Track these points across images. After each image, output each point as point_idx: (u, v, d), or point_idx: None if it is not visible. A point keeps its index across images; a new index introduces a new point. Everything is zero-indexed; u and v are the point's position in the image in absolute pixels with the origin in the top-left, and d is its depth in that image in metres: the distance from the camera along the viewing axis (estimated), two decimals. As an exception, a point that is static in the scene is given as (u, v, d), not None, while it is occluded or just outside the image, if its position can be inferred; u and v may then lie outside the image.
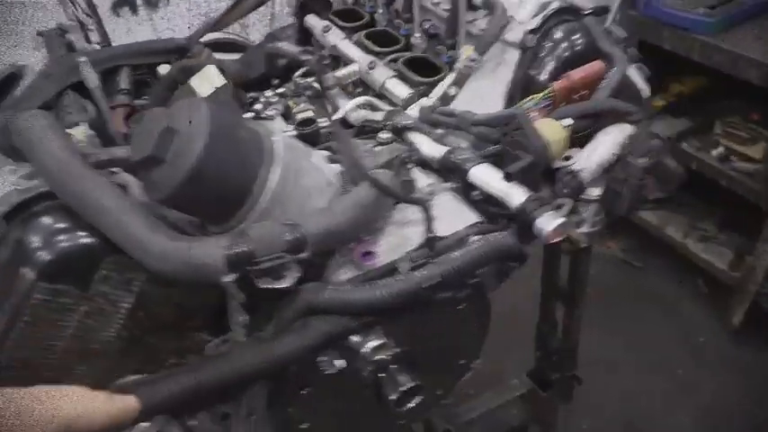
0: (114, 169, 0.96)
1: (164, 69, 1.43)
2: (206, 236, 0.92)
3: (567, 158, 1.03)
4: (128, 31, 2.97)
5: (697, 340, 2.66)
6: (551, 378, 1.96)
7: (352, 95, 1.45)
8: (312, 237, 0.84)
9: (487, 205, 1.06)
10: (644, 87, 1.24)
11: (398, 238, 1.01)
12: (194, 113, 0.83)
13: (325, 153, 1.08)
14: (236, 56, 1.62)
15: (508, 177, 0.95)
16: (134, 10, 2.94)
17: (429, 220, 0.95)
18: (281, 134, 0.93)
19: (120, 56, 1.22)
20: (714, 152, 2.48)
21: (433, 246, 0.97)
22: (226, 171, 0.85)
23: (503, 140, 1.00)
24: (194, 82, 1.10)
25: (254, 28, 3.25)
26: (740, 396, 2.44)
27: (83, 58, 1.05)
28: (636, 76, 1.24)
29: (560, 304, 1.78)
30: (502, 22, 1.17)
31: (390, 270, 0.96)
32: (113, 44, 2.83)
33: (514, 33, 1.17)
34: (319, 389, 0.98)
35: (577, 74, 1.04)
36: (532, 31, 1.12)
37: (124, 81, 1.20)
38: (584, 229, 1.19)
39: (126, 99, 1.16)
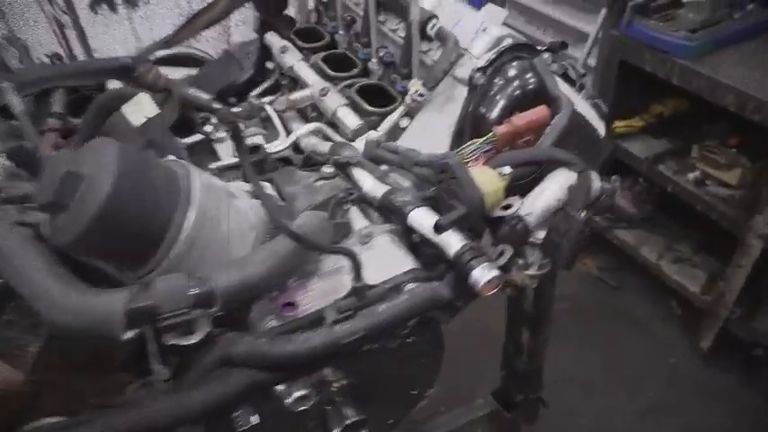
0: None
1: (113, 86, 1.38)
2: (123, 281, 0.87)
3: (507, 207, 0.98)
4: (105, 28, 2.90)
5: (668, 361, 2.63)
6: (516, 399, 1.92)
7: (308, 119, 1.41)
8: (222, 290, 0.79)
9: (427, 248, 1.02)
10: (599, 126, 1.19)
11: (330, 284, 0.97)
12: (102, 156, 0.78)
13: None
14: (193, 71, 1.57)
15: (439, 229, 0.90)
16: (113, 8, 2.88)
17: (357, 269, 0.90)
18: (200, 175, 0.88)
19: (54, 78, 1.16)
20: (690, 176, 2.43)
21: (361, 295, 0.92)
22: (135, 217, 0.80)
23: (438, 187, 0.95)
24: (126, 110, 1.05)
25: (237, 29, 3.18)
26: (708, 419, 2.41)
27: (5, 84, 0.99)
28: (591, 114, 1.19)
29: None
30: (452, 57, 1.12)
31: (316, 320, 0.92)
32: (90, 42, 2.78)
33: (465, 69, 1.12)
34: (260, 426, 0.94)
35: (520, 120, 0.99)
36: (481, 69, 1.07)
37: (57, 103, 1.14)
38: (532, 271, 1.14)
39: (57, 123, 1.11)
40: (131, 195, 0.78)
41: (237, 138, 0.81)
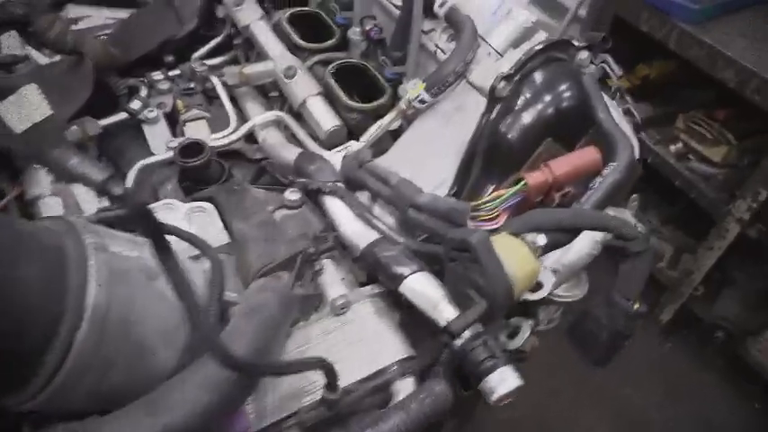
0: None
1: (7, 38, 1.00)
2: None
3: (537, 287, 0.69)
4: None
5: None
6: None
7: (267, 98, 1.07)
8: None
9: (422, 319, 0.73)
10: (635, 145, 0.90)
11: (294, 385, 0.67)
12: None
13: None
14: (121, 13, 1.18)
15: (451, 336, 0.61)
16: None
17: (333, 382, 0.60)
18: (104, 247, 0.54)
19: None
20: (672, 148, 2.19)
21: (334, 407, 0.63)
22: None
23: (447, 266, 0.65)
24: (5, 109, 0.69)
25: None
26: (652, 393, 2.30)
27: None
28: (629, 131, 0.90)
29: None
30: (468, 56, 0.79)
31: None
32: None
33: (482, 71, 0.80)
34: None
35: (561, 167, 0.69)
36: (507, 78, 0.75)
37: None
38: (539, 327, 0.88)
39: None
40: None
41: (155, 234, 0.47)
